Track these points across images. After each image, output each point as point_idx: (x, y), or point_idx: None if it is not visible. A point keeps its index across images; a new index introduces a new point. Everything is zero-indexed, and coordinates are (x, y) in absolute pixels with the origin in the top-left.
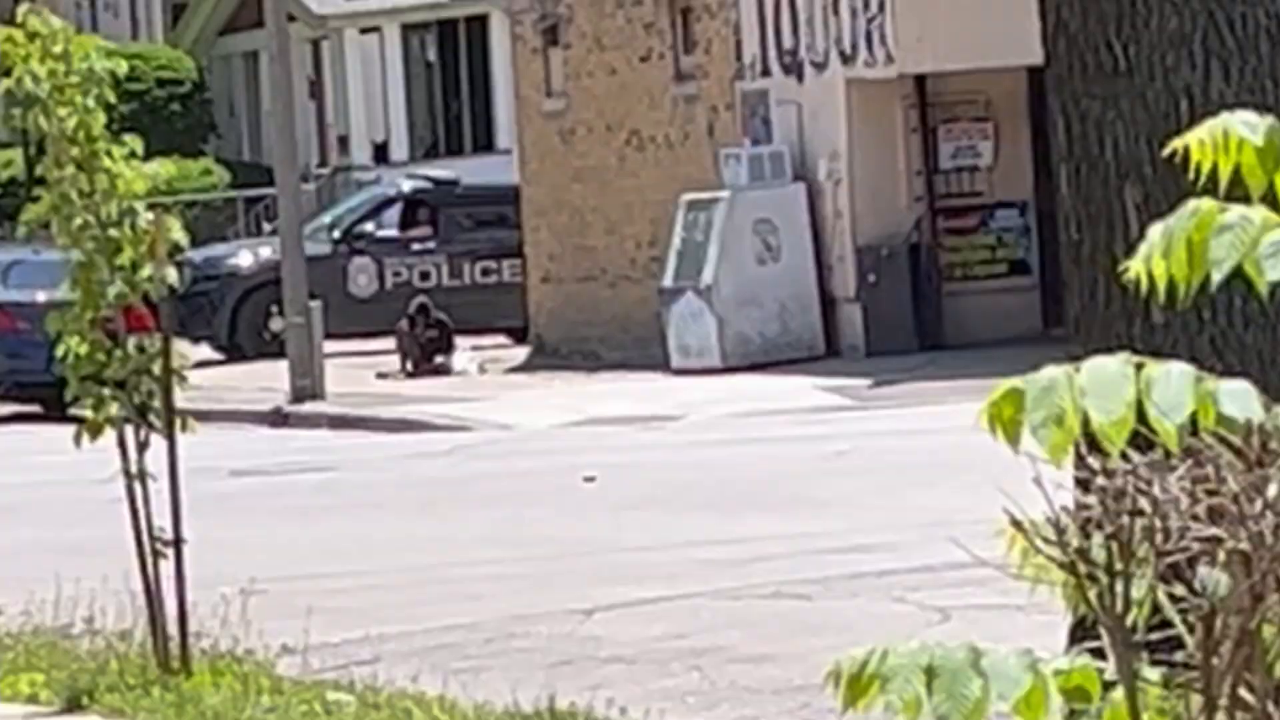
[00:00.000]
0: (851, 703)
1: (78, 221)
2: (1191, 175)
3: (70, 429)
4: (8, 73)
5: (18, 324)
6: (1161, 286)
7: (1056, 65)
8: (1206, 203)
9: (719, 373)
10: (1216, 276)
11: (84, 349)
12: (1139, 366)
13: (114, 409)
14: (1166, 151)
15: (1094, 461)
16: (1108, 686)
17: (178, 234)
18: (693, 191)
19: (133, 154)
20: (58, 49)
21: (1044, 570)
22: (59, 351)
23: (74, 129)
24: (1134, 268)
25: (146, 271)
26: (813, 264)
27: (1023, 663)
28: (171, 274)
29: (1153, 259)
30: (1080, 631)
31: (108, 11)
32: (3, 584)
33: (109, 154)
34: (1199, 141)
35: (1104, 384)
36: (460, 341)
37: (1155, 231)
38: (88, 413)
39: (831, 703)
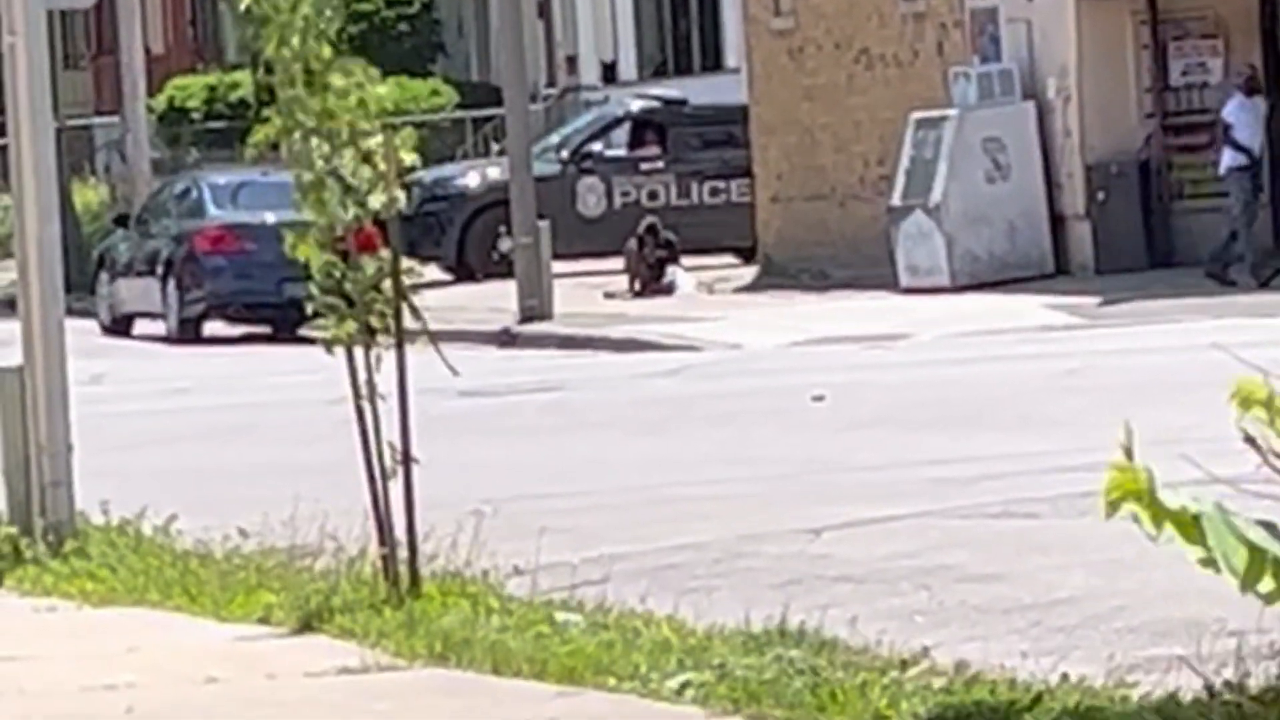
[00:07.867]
0: (1113, 510)
1: (307, 143)
2: None
3: (299, 350)
4: None
5: (246, 245)
6: None
7: None
8: None
9: (948, 291)
10: None
11: (322, 264)
12: None
13: (351, 326)
14: None
15: None
16: None
17: (409, 155)
18: (922, 110)
19: (364, 76)
20: None
21: None
22: (301, 261)
23: (302, 49)
24: None
25: (377, 193)
26: (1042, 182)
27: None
28: (401, 196)
29: None
30: None
31: None
32: (237, 504)
33: (338, 75)
34: None
35: None
36: (683, 261)
37: None
38: (321, 333)
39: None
